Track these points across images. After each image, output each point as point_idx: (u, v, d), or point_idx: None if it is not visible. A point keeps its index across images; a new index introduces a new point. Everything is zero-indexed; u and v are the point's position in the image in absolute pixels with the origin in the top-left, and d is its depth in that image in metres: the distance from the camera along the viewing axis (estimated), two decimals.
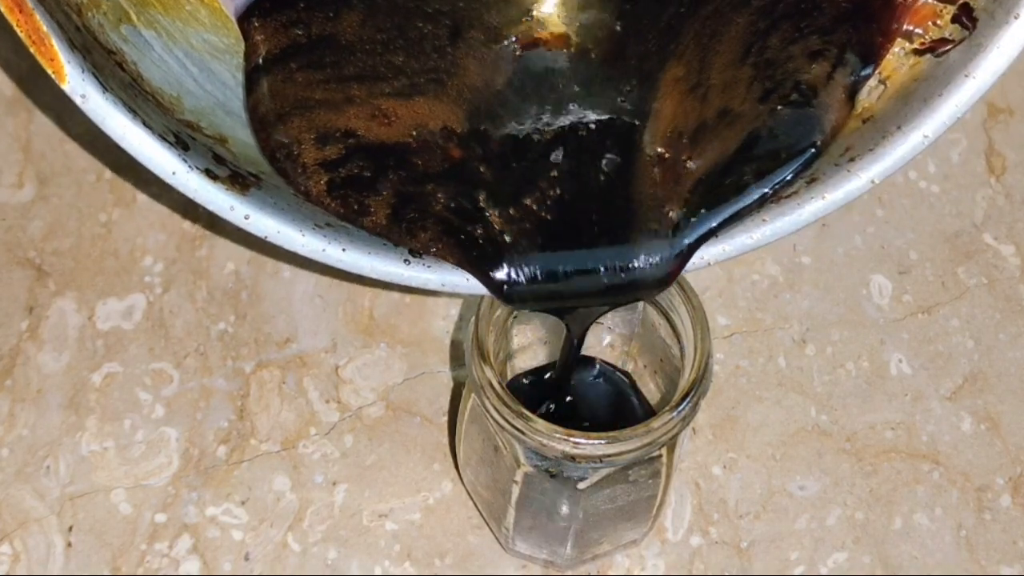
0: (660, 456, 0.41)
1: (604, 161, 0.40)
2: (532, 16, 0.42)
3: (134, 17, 0.38)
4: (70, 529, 0.47)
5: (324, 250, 0.38)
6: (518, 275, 0.38)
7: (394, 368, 0.52)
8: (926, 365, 0.53)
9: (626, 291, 0.39)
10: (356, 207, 0.39)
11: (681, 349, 0.43)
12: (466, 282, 0.39)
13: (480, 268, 0.38)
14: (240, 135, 0.40)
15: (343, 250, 0.38)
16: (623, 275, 0.39)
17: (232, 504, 0.48)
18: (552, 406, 0.46)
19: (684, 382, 0.40)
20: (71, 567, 0.47)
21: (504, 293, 0.38)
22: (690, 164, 0.39)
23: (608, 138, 0.40)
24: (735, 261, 0.55)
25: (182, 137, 0.37)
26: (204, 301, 0.53)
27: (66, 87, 0.34)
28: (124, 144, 0.36)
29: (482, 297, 0.41)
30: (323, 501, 0.48)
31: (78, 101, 0.35)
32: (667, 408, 0.40)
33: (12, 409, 0.50)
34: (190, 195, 0.37)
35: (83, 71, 0.34)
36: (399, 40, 0.40)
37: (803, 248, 0.56)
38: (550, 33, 0.41)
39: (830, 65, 0.40)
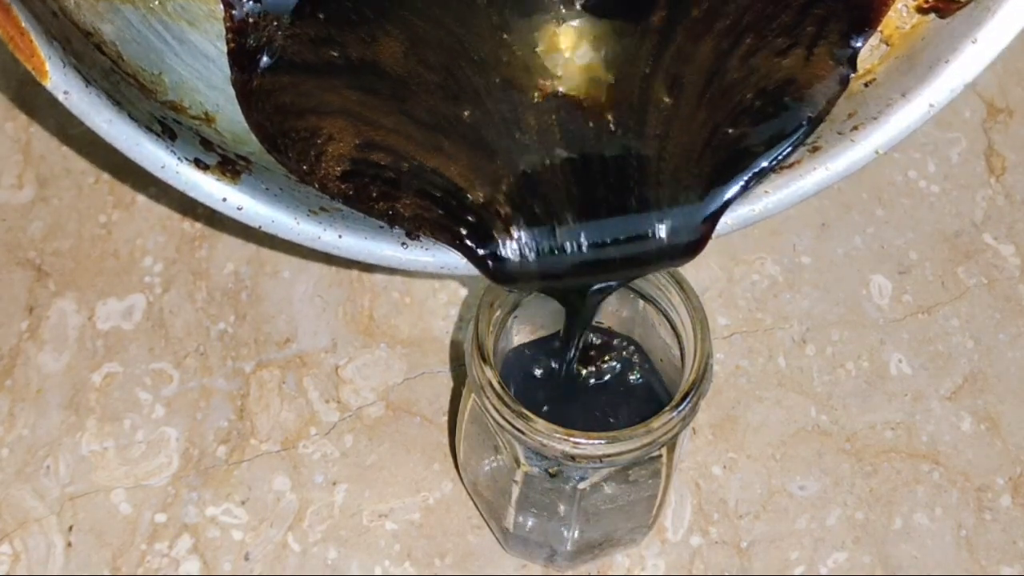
0: (660, 456, 0.41)
1: (613, 155, 0.40)
2: (561, 81, 0.41)
3: None
4: (70, 529, 0.47)
5: (320, 237, 0.38)
6: (541, 252, 0.38)
7: (394, 368, 0.52)
8: (926, 365, 0.53)
9: (652, 260, 0.39)
10: (375, 194, 0.38)
11: (681, 349, 0.43)
12: (464, 263, 0.39)
13: (498, 252, 0.38)
14: (225, 110, 0.39)
15: (339, 236, 0.38)
16: (647, 244, 0.39)
17: (232, 504, 0.48)
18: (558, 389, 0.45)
19: (684, 382, 0.40)
20: (71, 567, 0.47)
21: (529, 271, 0.38)
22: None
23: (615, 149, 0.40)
24: (735, 261, 0.55)
25: (168, 124, 0.37)
26: (204, 301, 0.53)
27: (48, 84, 0.34)
28: (110, 139, 0.35)
29: (482, 297, 0.41)
30: (323, 501, 0.48)
31: (61, 97, 0.34)
32: (667, 408, 0.40)
33: (12, 409, 0.50)
34: (180, 187, 0.36)
35: (64, 64, 0.34)
36: (453, 86, 0.40)
37: (803, 248, 0.56)
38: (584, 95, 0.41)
39: (805, 48, 0.39)
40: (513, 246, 0.38)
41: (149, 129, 0.36)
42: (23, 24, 0.33)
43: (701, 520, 0.49)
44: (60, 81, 0.34)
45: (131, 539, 0.47)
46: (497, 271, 0.39)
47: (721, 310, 0.54)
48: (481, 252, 0.38)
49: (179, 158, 0.36)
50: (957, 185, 0.58)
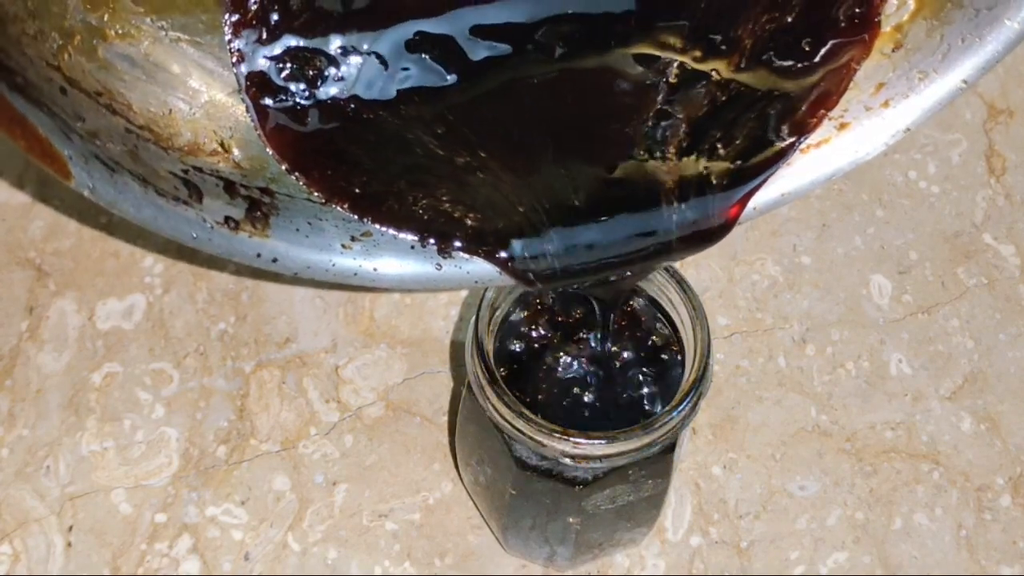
0: (660, 456, 0.41)
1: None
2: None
3: (108, 32, 0.38)
4: (70, 529, 0.47)
5: (356, 273, 0.38)
6: (557, 251, 0.38)
7: (394, 368, 0.52)
8: (926, 365, 0.53)
9: (672, 250, 0.39)
10: (426, 219, 0.39)
11: (681, 349, 0.43)
12: (497, 273, 0.39)
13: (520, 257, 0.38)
14: (239, 131, 0.39)
15: (375, 269, 0.38)
16: (665, 236, 0.39)
17: (232, 504, 0.48)
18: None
19: (684, 382, 0.40)
20: (71, 567, 0.47)
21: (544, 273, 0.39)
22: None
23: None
24: (735, 261, 0.55)
25: (191, 180, 0.37)
26: (204, 302, 0.53)
27: (73, 184, 0.34)
28: (141, 222, 0.35)
29: (482, 297, 0.41)
30: (323, 501, 0.48)
31: (87, 194, 0.34)
32: (667, 408, 0.40)
33: (12, 409, 0.50)
34: (214, 252, 0.37)
35: (86, 160, 0.34)
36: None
37: (803, 248, 0.56)
38: None
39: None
40: (540, 249, 0.38)
41: (176, 199, 0.36)
42: (41, 132, 0.33)
43: (701, 520, 0.49)
44: (85, 178, 0.34)
45: (131, 539, 0.47)
46: (528, 275, 0.39)
47: (721, 310, 0.54)
48: (511, 258, 0.38)
49: (209, 224, 0.36)
50: (957, 186, 0.58)
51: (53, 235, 0.55)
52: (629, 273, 0.41)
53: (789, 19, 0.39)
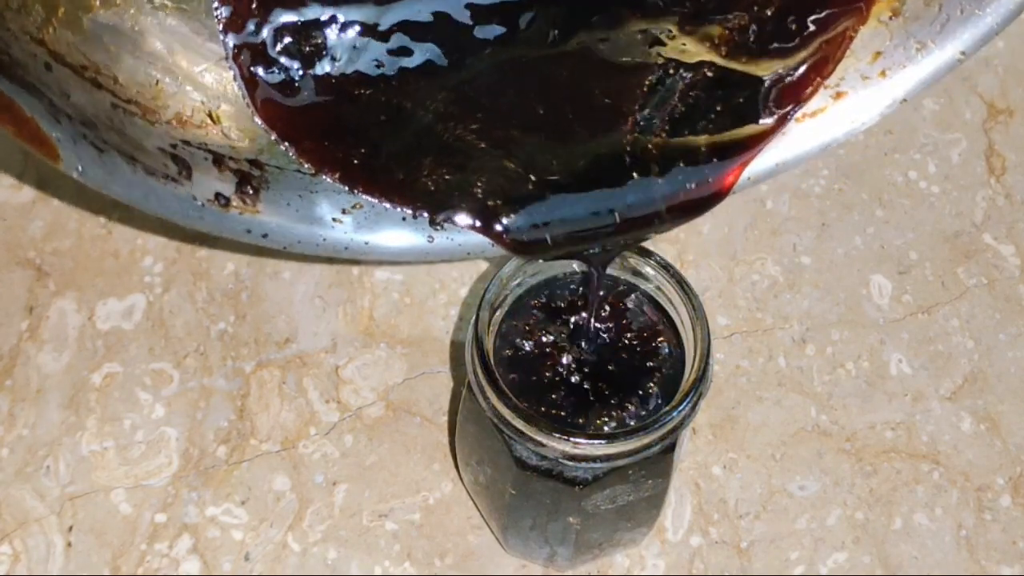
0: (660, 456, 0.41)
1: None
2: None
3: (92, 1, 0.37)
4: (70, 529, 0.47)
5: (346, 248, 0.38)
6: (544, 220, 0.39)
7: (394, 368, 0.52)
8: (926, 365, 0.53)
9: (657, 221, 0.40)
10: (428, 188, 0.39)
11: (681, 349, 0.43)
12: (488, 244, 0.39)
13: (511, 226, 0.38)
14: (228, 101, 0.39)
15: (366, 243, 0.38)
16: (650, 207, 0.39)
17: (232, 504, 0.48)
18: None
19: (684, 382, 0.40)
20: (71, 567, 0.47)
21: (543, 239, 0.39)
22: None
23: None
24: (735, 261, 0.55)
25: (180, 155, 0.37)
26: (204, 301, 0.53)
27: (61, 166, 0.34)
28: (131, 202, 0.35)
29: (482, 297, 0.41)
30: (323, 501, 0.48)
31: (75, 175, 0.34)
32: (667, 408, 0.40)
33: (12, 409, 0.50)
34: (206, 230, 0.37)
35: (75, 141, 0.34)
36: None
37: (803, 248, 0.56)
38: None
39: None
40: (532, 220, 0.38)
41: (166, 177, 0.36)
42: (27, 113, 0.33)
43: (701, 520, 0.49)
44: (73, 159, 0.34)
45: (131, 539, 0.47)
46: (519, 245, 0.39)
47: (721, 310, 0.54)
48: (503, 229, 0.38)
49: (200, 202, 0.36)
50: (957, 185, 0.58)
51: (53, 235, 0.55)
52: (622, 242, 0.41)
53: None
